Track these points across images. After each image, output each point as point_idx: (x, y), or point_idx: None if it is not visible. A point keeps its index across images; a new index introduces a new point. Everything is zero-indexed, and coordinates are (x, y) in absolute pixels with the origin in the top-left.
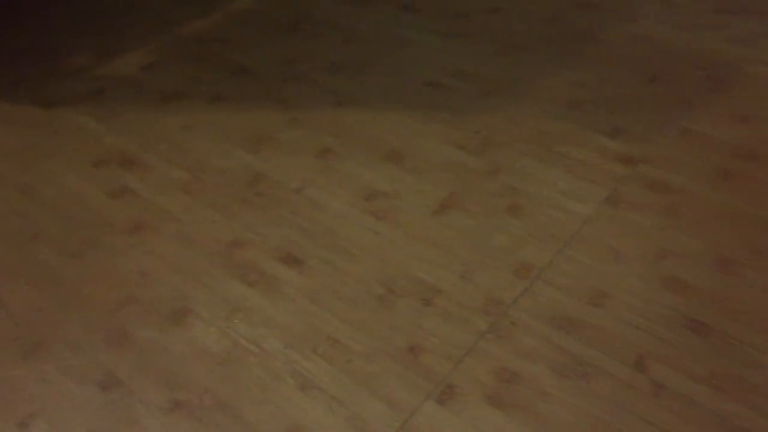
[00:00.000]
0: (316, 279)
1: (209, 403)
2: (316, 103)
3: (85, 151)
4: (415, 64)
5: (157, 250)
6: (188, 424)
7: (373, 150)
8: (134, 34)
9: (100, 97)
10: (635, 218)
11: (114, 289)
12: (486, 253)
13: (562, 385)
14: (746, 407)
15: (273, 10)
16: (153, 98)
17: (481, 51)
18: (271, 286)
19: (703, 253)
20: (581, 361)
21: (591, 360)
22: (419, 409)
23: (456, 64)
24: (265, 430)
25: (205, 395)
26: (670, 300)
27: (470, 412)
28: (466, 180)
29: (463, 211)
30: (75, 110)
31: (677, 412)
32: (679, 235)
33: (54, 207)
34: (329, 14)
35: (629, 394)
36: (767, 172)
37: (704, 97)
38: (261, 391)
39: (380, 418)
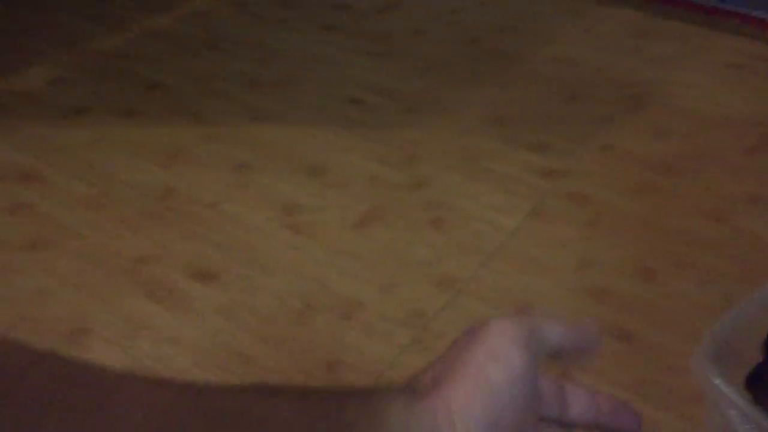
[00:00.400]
0: (229, 295)
1: None
2: (233, 118)
3: None
4: (338, 82)
5: (56, 268)
6: None
7: (293, 165)
8: (39, 49)
9: None
10: (558, 230)
11: (7, 308)
12: (408, 267)
13: None
14: (674, 414)
15: (190, 28)
16: (58, 113)
17: (404, 69)
18: (181, 302)
19: (625, 262)
20: None
21: None
22: None
23: (379, 82)
24: None
25: None
26: (594, 309)
27: None
28: (388, 194)
29: (385, 224)
30: None
31: None
32: (601, 246)
33: None
34: (249, 33)
35: None
36: (683, 185)
37: (623, 114)
38: None
39: None
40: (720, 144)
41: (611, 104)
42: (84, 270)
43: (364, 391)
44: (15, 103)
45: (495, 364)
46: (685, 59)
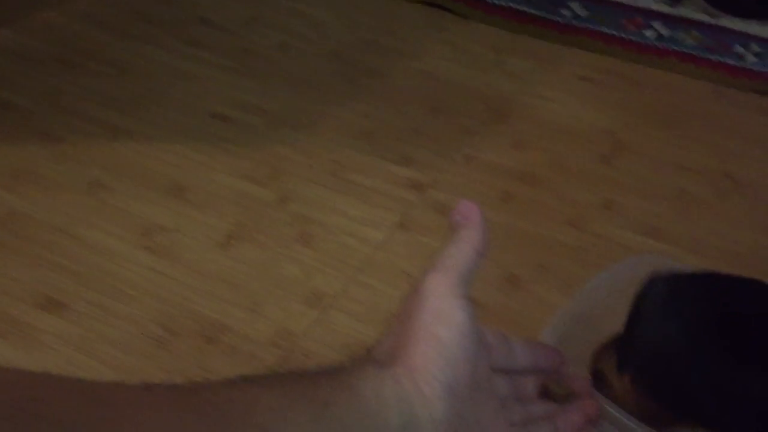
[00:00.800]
0: (82, 324)
1: None
2: (87, 137)
3: None
4: (200, 98)
5: None
6: None
7: (152, 184)
8: None
9: None
10: (426, 241)
11: None
12: (276, 284)
13: None
14: None
15: (42, 44)
16: None
17: (269, 85)
18: (26, 335)
19: (492, 271)
20: None
21: None
22: None
23: (244, 98)
24: None
25: None
26: None
27: None
28: (254, 211)
29: (251, 242)
30: None
31: None
32: None
33: None
34: (105, 48)
35: None
36: (542, 194)
37: (485, 127)
38: None
39: None
40: (575, 153)
41: (473, 117)
42: None
43: (334, 368)
44: None
45: (442, 325)
46: (541, 73)
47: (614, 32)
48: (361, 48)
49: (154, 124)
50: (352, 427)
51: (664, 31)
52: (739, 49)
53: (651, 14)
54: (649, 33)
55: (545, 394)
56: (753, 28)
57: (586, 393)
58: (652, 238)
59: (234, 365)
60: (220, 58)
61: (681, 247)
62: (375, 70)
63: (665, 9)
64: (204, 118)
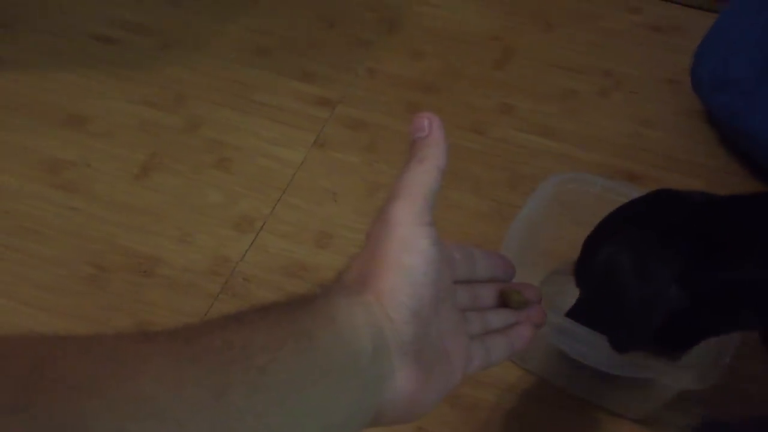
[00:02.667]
0: (6, 271)
1: None
2: None
3: None
4: (76, 18)
5: None
6: None
7: (46, 116)
8: None
9: None
10: (342, 157)
11: None
12: (202, 213)
13: None
14: None
15: None
16: None
17: (150, 2)
18: None
19: None
20: None
21: None
22: None
23: (125, 16)
24: None
25: None
26: None
27: None
28: (165, 139)
29: (168, 171)
30: None
31: None
32: (385, 168)
33: None
34: None
35: None
36: (446, 102)
37: (381, 38)
38: None
39: None
40: (469, 60)
41: (367, 29)
42: None
43: (308, 297)
44: None
45: (407, 253)
46: None
47: None
48: None
49: (31, 50)
50: (333, 356)
51: None
52: None
53: None
54: None
55: (503, 304)
56: None
57: (536, 301)
58: (547, 137)
59: (174, 296)
60: None
61: (572, 143)
62: None
63: None
64: (86, 41)
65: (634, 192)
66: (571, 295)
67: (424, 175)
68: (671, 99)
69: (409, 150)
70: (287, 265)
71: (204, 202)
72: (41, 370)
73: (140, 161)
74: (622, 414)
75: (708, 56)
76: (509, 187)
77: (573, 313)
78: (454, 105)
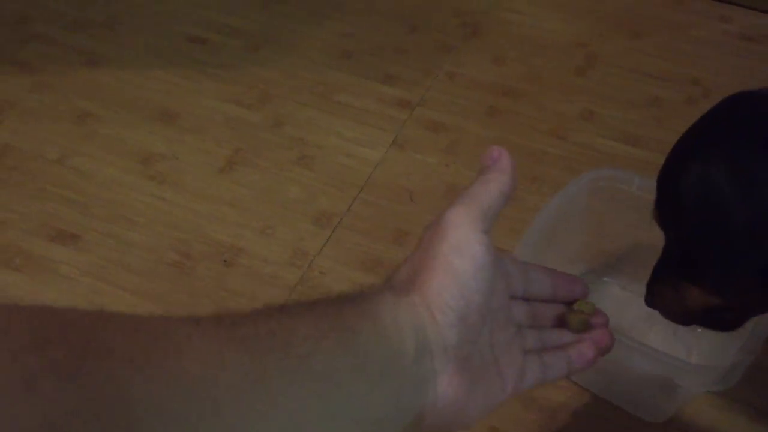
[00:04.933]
0: (98, 254)
1: None
2: (63, 65)
3: None
4: (174, 20)
5: None
6: None
7: (141, 111)
8: None
9: None
10: (421, 158)
11: None
12: (283, 207)
13: None
14: None
15: None
16: None
17: (242, 4)
18: (44, 267)
19: None
20: None
21: None
22: None
23: (219, 19)
24: None
25: None
26: None
27: None
28: (249, 135)
29: (252, 166)
30: None
31: None
32: (462, 170)
33: None
34: None
35: None
36: (527, 107)
37: (463, 42)
38: None
39: None
40: (552, 66)
41: (450, 33)
42: None
43: (355, 295)
44: None
45: (459, 256)
46: None
47: None
48: None
49: (129, 48)
50: (374, 353)
51: None
52: None
53: None
54: None
55: (562, 325)
56: None
57: (601, 325)
58: (630, 144)
59: (256, 286)
60: None
61: (658, 151)
62: None
63: None
64: (181, 41)
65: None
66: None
67: (486, 192)
68: None
69: (478, 174)
70: (363, 260)
71: (285, 197)
72: (93, 341)
73: (226, 156)
74: (641, 415)
75: None
76: None
77: (660, 268)
78: (534, 109)
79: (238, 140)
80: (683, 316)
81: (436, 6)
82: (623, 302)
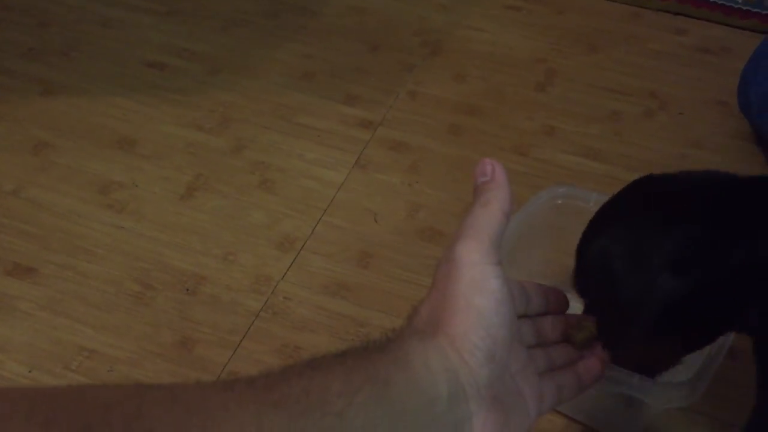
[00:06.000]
0: (56, 287)
1: None
2: (18, 94)
3: None
4: (131, 46)
5: None
6: None
7: (99, 140)
8: None
9: None
10: (384, 178)
11: None
12: (245, 232)
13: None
14: None
15: None
16: None
17: (201, 29)
18: (1, 304)
19: (448, 202)
20: (360, 323)
21: (369, 320)
22: None
23: (177, 43)
24: None
25: None
26: (429, 250)
27: None
28: (210, 160)
29: (213, 192)
30: None
31: None
32: (425, 189)
33: None
34: None
35: None
36: (489, 124)
37: (424, 61)
38: None
39: None
40: (512, 82)
41: (410, 52)
42: None
43: (382, 342)
44: None
45: (479, 294)
46: (469, 4)
47: None
48: None
49: (87, 76)
50: (410, 403)
51: None
52: None
53: None
54: None
55: (565, 340)
56: None
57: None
58: (591, 159)
59: (217, 314)
60: (143, 2)
61: (618, 165)
62: (308, 9)
63: None
64: (139, 67)
65: None
66: None
67: (489, 217)
68: (719, 120)
69: (473, 194)
70: (328, 284)
71: (247, 222)
72: (133, 422)
73: (186, 182)
74: None
75: (755, 77)
76: None
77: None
78: (496, 127)
79: (198, 166)
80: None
81: (396, 25)
82: None
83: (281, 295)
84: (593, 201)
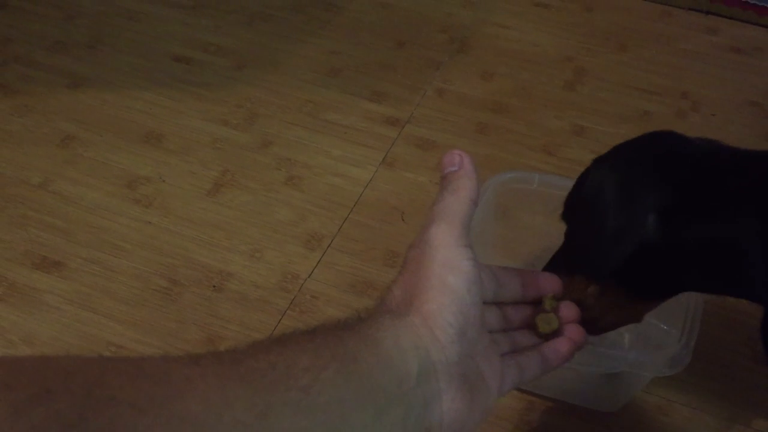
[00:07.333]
0: (83, 282)
1: None
2: (45, 86)
3: None
4: (158, 40)
5: None
6: None
7: (126, 133)
8: None
9: None
10: (410, 177)
11: None
12: (272, 229)
13: None
14: None
15: None
16: None
17: (228, 23)
18: (27, 297)
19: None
20: None
21: None
22: None
23: (204, 38)
24: None
25: None
26: None
27: None
28: (236, 156)
29: (239, 188)
30: None
31: None
32: None
33: None
34: None
35: None
36: (516, 123)
37: (451, 58)
38: None
39: None
40: (540, 81)
41: (437, 49)
42: None
43: (353, 320)
44: None
45: (451, 274)
46: (497, 1)
47: None
48: None
49: (113, 69)
50: (378, 380)
51: None
52: None
53: None
54: None
55: (530, 328)
56: None
57: (573, 320)
58: None
59: (244, 312)
60: None
61: None
62: (334, 4)
63: None
64: (165, 61)
65: (570, 183)
66: None
67: (459, 204)
68: (752, 121)
69: (441, 183)
70: (355, 282)
71: (274, 219)
72: (95, 389)
73: (213, 178)
74: (597, 408)
75: None
76: None
77: (555, 257)
78: (524, 125)
79: (225, 161)
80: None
81: (423, 21)
82: None
83: (308, 294)
84: (536, 182)
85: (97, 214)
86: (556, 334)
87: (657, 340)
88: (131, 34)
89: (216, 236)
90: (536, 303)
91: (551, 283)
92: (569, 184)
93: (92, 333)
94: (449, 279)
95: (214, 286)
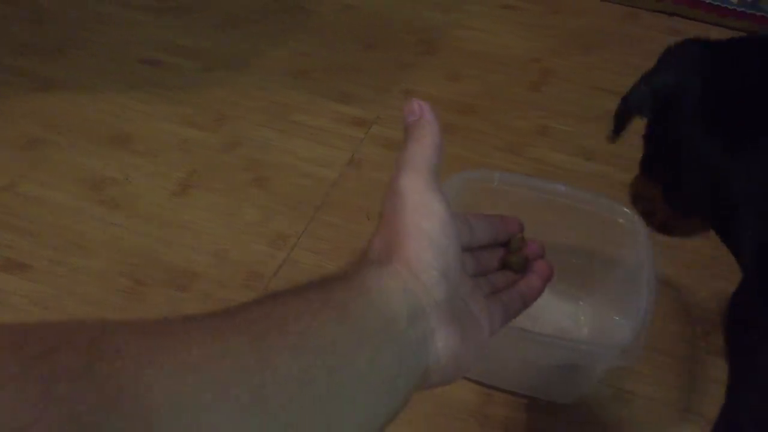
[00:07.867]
0: (48, 283)
1: None
2: (12, 89)
3: None
4: (126, 42)
5: None
6: None
7: (94, 135)
8: None
9: None
10: (378, 176)
11: None
12: (238, 229)
13: None
14: None
15: None
16: None
17: (198, 26)
18: None
19: None
20: None
21: None
22: None
23: (173, 40)
24: None
25: None
26: None
27: None
28: (204, 157)
29: (206, 189)
30: None
31: None
32: None
33: None
34: None
35: None
36: (483, 123)
37: (419, 59)
38: None
39: None
40: (507, 82)
41: (406, 50)
42: None
43: (340, 274)
44: None
45: (425, 218)
46: (464, 3)
47: None
48: None
49: (82, 72)
50: (369, 323)
51: None
52: None
53: None
54: None
55: (504, 267)
56: None
57: (539, 256)
58: (585, 158)
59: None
60: None
61: (611, 165)
62: (303, 7)
63: None
64: (134, 63)
65: (531, 181)
66: None
67: (424, 150)
68: None
69: (404, 134)
70: None
71: (240, 219)
72: (99, 344)
73: (179, 179)
74: (555, 400)
75: None
76: None
77: (642, 162)
78: (491, 126)
79: (192, 162)
80: (648, 214)
81: (391, 24)
82: None
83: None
84: (497, 180)
85: (62, 216)
86: (526, 270)
87: (613, 333)
88: (100, 37)
89: (182, 237)
90: (504, 245)
91: (515, 225)
92: (528, 182)
93: None
94: (423, 224)
95: (179, 285)
